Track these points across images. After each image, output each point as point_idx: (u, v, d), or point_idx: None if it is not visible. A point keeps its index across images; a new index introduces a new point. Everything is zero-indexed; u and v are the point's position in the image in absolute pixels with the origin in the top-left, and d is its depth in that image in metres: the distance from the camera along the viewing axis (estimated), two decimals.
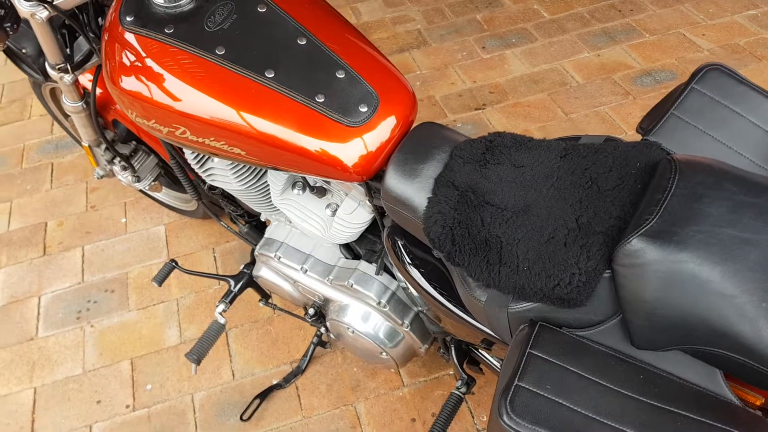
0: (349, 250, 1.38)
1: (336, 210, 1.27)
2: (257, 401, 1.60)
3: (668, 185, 0.83)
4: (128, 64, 1.09)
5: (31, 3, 1.09)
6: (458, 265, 0.99)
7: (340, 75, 1.06)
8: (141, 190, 2.09)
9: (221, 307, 1.50)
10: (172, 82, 1.06)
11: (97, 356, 1.75)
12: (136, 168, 1.68)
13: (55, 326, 1.83)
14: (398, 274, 1.23)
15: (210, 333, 1.50)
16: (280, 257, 1.40)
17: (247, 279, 1.54)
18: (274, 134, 1.04)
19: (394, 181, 1.05)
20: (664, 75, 2.34)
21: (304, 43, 1.07)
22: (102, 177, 1.68)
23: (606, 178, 0.94)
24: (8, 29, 0.93)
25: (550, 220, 0.94)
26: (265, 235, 1.45)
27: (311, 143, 1.04)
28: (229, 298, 1.52)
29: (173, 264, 1.53)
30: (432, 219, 1.00)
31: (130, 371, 1.71)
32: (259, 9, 1.09)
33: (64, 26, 1.27)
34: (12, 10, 0.95)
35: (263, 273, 1.49)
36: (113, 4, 1.14)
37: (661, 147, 0.97)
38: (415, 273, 1.15)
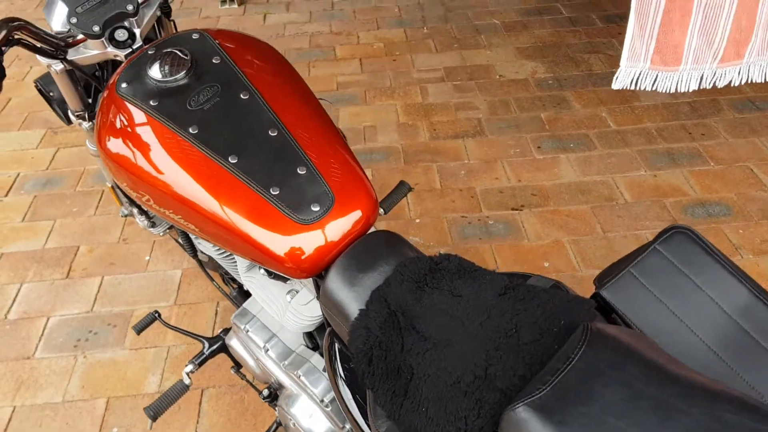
0: (312, 339, 1.36)
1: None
2: None
3: (571, 355, 0.77)
4: (111, 126, 1.14)
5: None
6: (369, 388, 0.95)
7: (301, 171, 1.06)
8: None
9: (189, 367, 1.50)
10: (142, 151, 1.09)
11: (80, 388, 1.79)
12: (151, 215, 1.73)
13: (53, 350, 1.89)
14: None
15: (172, 392, 1.51)
16: (248, 330, 1.40)
17: (220, 344, 1.54)
18: (225, 218, 1.05)
19: (333, 285, 1.03)
20: (718, 209, 2.20)
21: (274, 134, 1.09)
22: (126, 216, 1.75)
23: (529, 330, 0.89)
24: None
25: (464, 361, 0.89)
26: (242, 305, 1.46)
27: (258, 233, 1.04)
28: (199, 360, 1.53)
29: (155, 315, 1.56)
30: (356, 333, 0.97)
31: (103, 410, 1.73)
32: (241, 96, 1.11)
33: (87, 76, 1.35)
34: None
35: (233, 343, 1.49)
36: (119, 68, 1.20)
37: (595, 307, 0.91)
38: (342, 386, 1.11)
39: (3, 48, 1.04)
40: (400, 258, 1.05)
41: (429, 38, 3.30)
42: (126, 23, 1.24)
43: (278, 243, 1.03)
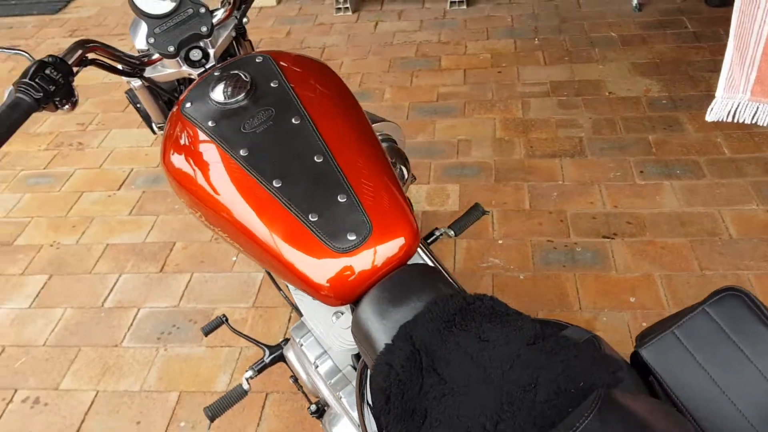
0: (359, 360, 1.36)
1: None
2: None
3: (576, 423, 0.72)
4: (174, 143, 1.19)
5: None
6: (384, 427, 0.93)
7: (342, 199, 1.06)
8: None
9: (249, 373, 1.55)
10: (196, 170, 1.13)
11: (157, 379, 1.89)
12: None
13: (138, 340, 2.01)
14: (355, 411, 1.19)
15: (231, 395, 1.56)
16: (302, 344, 1.42)
17: (279, 354, 1.58)
18: (265, 240, 1.07)
19: (363, 316, 1.02)
20: None
21: (320, 161, 1.09)
22: None
23: (547, 387, 0.83)
24: (57, 104, 1.07)
25: (477, 412, 0.85)
26: (300, 318, 1.48)
27: (295, 258, 1.05)
28: (259, 367, 1.57)
29: (222, 320, 1.62)
30: (379, 368, 0.95)
31: (174, 403, 1.82)
32: (293, 120, 1.13)
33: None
34: (64, 88, 1.09)
35: (290, 354, 1.52)
36: (188, 87, 1.25)
37: (635, 366, 0.85)
38: (368, 418, 1.10)
39: (77, 68, 1.11)
40: (433, 294, 1.02)
41: (539, 50, 3.21)
42: (201, 44, 1.29)
43: (313, 269, 1.04)
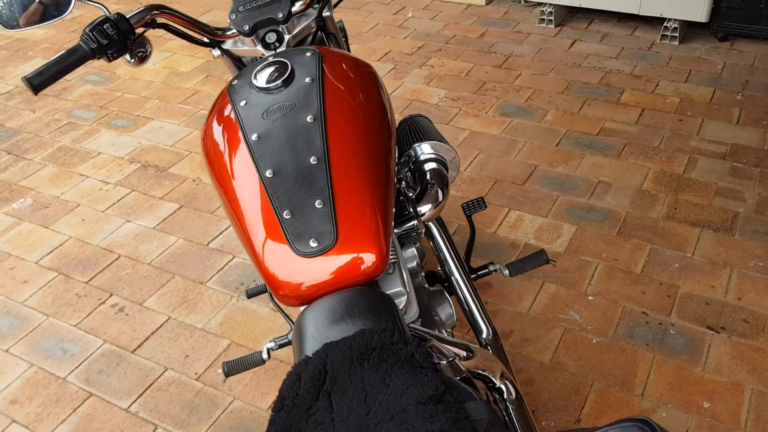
0: None
1: None
2: None
3: None
4: (212, 112, 1.27)
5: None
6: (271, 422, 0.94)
7: (318, 205, 1.07)
8: None
9: (271, 344, 1.62)
10: (215, 141, 1.21)
11: (218, 324, 2.04)
12: None
13: (220, 285, 2.18)
14: None
15: (250, 359, 1.65)
16: None
17: None
18: (243, 223, 1.11)
19: (301, 322, 1.04)
20: None
21: (314, 163, 1.10)
22: None
23: None
24: (110, 56, 1.19)
25: None
26: None
27: (260, 247, 1.08)
28: (281, 342, 1.63)
29: (265, 288, 1.71)
30: (290, 375, 0.96)
31: (222, 350, 1.96)
32: (308, 119, 1.15)
33: None
34: (119, 44, 1.20)
35: None
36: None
37: None
38: None
39: (141, 29, 1.23)
40: (370, 323, 1.00)
41: (737, 106, 2.86)
42: (279, 28, 1.36)
43: (272, 263, 1.07)
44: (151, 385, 1.87)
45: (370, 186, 1.10)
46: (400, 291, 1.17)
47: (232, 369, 1.64)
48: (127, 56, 1.24)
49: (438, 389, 0.88)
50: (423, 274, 1.52)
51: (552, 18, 3.62)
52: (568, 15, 3.73)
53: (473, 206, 1.66)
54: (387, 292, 1.14)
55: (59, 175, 2.76)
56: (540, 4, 3.65)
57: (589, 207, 2.37)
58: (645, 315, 1.95)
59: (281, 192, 1.09)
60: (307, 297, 1.06)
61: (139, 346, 1.99)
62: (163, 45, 3.68)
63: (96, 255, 2.34)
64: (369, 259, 1.05)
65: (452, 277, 1.56)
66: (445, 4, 3.98)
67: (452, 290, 1.58)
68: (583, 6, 3.53)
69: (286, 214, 1.07)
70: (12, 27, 1.20)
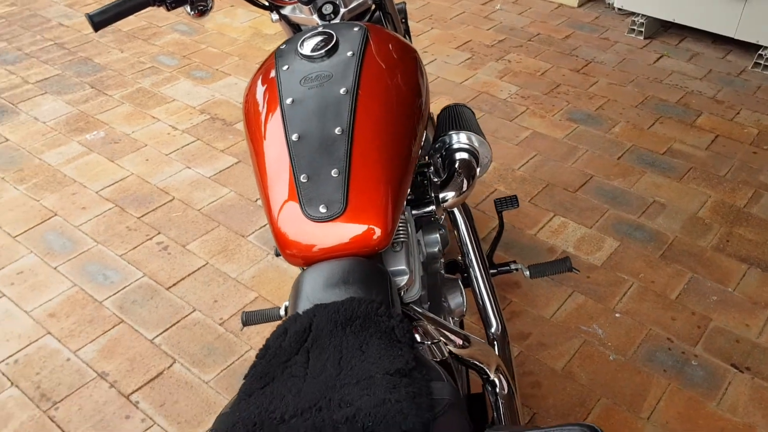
0: None
1: None
2: None
3: None
4: (257, 72, 1.32)
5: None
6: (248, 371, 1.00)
7: (335, 174, 1.11)
8: None
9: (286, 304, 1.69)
10: (254, 99, 1.26)
11: (250, 277, 2.13)
12: None
13: (260, 240, 2.27)
14: None
15: (268, 313, 1.72)
16: None
17: None
18: (264, 180, 1.17)
19: (300, 279, 1.08)
20: None
21: (339, 133, 1.14)
22: None
23: (352, 415, 0.83)
24: (168, 6, 1.26)
25: (297, 400, 0.88)
26: None
27: (275, 206, 1.13)
28: None
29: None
30: (279, 328, 1.01)
31: (248, 302, 2.04)
32: (340, 91, 1.18)
33: None
34: None
35: None
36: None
37: None
38: None
39: None
40: (361, 293, 1.04)
41: None
42: (336, 1, 1.40)
43: (283, 222, 1.11)
44: (177, 322, 1.97)
45: (388, 164, 1.13)
46: (403, 269, 1.19)
47: (250, 319, 1.71)
48: (187, 8, 1.31)
49: (408, 364, 0.91)
50: (442, 261, 1.54)
51: (643, 29, 3.52)
52: (660, 28, 3.62)
53: (505, 203, 1.67)
54: (390, 269, 1.18)
55: (133, 115, 2.91)
56: (633, 14, 3.56)
57: (638, 225, 2.32)
58: (669, 341, 1.91)
59: (302, 156, 1.13)
60: (311, 259, 1.10)
61: (174, 285, 2.10)
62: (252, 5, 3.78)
63: (152, 194, 2.46)
64: (373, 231, 1.08)
65: (470, 268, 1.58)
66: (536, 2, 3.93)
67: (469, 282, 1.60)
68: (676, 21, 3.42)
69: (303, 178, 1.11)
70: None
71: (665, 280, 2.11)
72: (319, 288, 1.07)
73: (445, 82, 3.13)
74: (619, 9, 3.71)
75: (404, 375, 0.91)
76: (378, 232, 1.09)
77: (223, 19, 3.70)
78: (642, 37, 3.53)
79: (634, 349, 1.89)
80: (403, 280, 1.20)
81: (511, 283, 2.09)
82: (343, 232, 1.08)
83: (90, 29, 3.55)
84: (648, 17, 3.49)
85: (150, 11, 3.72)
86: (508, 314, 1.99)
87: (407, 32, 1.67)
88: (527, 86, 3.11)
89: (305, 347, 0.98)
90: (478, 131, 1.46)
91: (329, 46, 1.24)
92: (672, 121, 2.88)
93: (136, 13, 1.26)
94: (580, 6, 3.87)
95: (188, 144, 2.73)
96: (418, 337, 1.08)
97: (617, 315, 1.99)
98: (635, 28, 3.54)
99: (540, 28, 3.63)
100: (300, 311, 1.03)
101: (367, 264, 1.08)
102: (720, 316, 1.99)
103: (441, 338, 1.13)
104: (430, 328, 1.13)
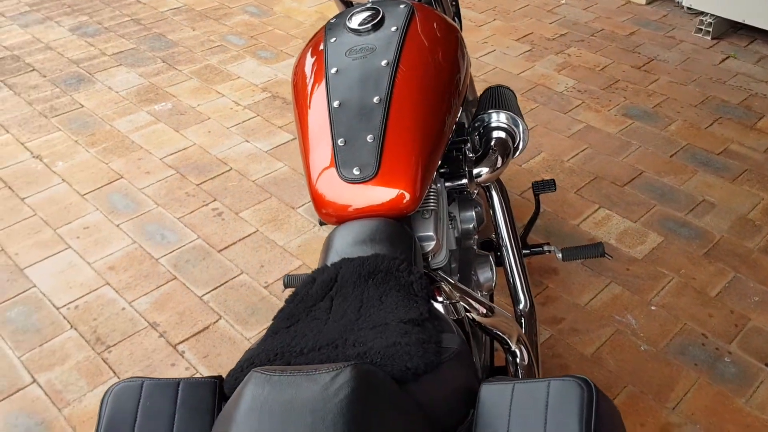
0: None
1: None
2: None
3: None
4: (308, 44, 1.41)
5: None
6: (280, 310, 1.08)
7: (370, 139, 1.18)
8: None
9: None
10: (302, 68, 1.35)
11: (297, 246, 2.23)
12: None
13: (308, 213, 2.36)
14: None
15: (300, 279, 1.81)
16: None
17: None
18: (304, 142, 1.25)
19: (331, 235, 1.16)
20: None
21: (376, 102, 1.21)
22: None
23: (364, 354, 0.90)
24: None
25: (315, 339, 0.96)
26: None
27: (313, 166, 1.21)
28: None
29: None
30: (308, 276, 1.10)
31: (294, 268, 2.14)
32: (382, 63, 1.25)
33: None
34: None
35: None
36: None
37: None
38: None
39: None
40: (386, 250, 1.11)
41: None
42: None
43: (320, 182, 1.19)
44: (226, 282, 2.09)
45: (421, 133, 1.20)
46: (430, 236, 1.26)
47: (291, 282, 1.81)
48: None
49: (422, 315, 0.98)
50: (476, 237, 1.59)
51: (711, 29, 3.45)
52: (729, 29, 3.54)
53: (543, 186, 1.71)
54: (418, 234, 1.24)
55: (200, 89, 3.05)
56: (702, 13, 3.49)
57: (684, 222, 2.31)
58: (704, 337, 1.91)
59: (342, 121, 1.21)
60: (343, 217, 1.18)
61: (225, 248, 2.21)
62: None
63: (211, 164, 2.59)
64: (402, 196, 1.15)
65: (502, 246, 1.62)
66: None
67: (501, 261, 1.65)
68: (746, 23, 3.34)
69: (340, 142, 1.19)
70: None
71: (706, 277, 2.10)
72: (348, 244, 1.14)
73: (502, 73, 3.16)
74: (689, 8, 3.64)
75: (417, 324, 0.97)
76: (407, 196, 1.15)
77: (291, 3, 3.82)
78: (709, 38, 3.46)
79: (667, 341, 1.90)
80: (429, 245, 1.26)
81: (549, 269, 2.12)
82: (374, 194, 1.15)
83: (162, 6, 3.72)
84: (717, 17, 3.42)
85: None
86: (543, 299, 2.03)
87: (457, 15, 1.72)
88: (585, 80, 3.11)
89: (330, 295, 1.06)
90: (518, 112, 1.50)
91: (375, 21, 1.31)
92: (731, 122, 2.83)
93: None
94: (648, 3, 3.82)
95: (249, 119, 2.85)
96: (438, 297, 1.14)
97: (653, 308, 2.00)
98: (703, 27, 3.48)
99: (604, 24, 3.61)
100: (329, 263, 1.11)
101: (394, 225, 1.15)
102: (760, 316, 1.97)
103: (463, 303, 1.19)
104: (452, 291, 1.19)
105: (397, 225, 1.15)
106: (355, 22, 1.33)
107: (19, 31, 3.50)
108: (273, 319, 1.06)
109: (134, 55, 3.32)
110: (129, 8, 3.76)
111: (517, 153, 1.49)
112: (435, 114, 1.23)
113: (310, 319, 1.03)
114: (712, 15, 3.43)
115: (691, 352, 1.87)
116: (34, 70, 3.17)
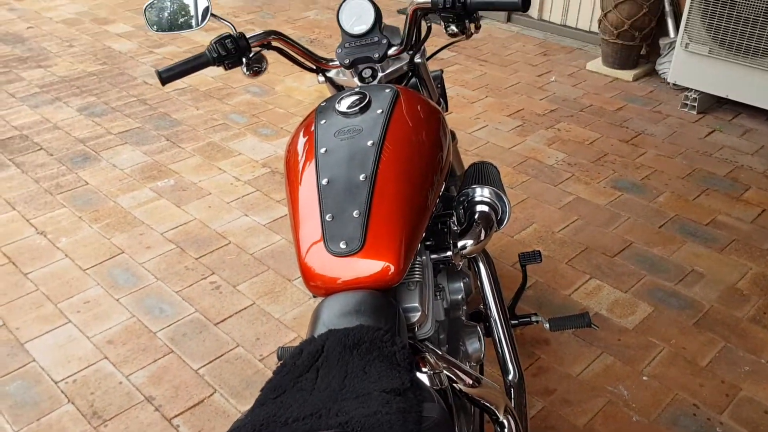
0: None
1: None
2: None
3: None
4: (300, 125, 1.49)
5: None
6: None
7: (356, 215, 1.24)
8: None
9: None
10: (294, 150, 1.42)
11: (292, 318, 2.26)
12: None
13: (303, 285, 2.39)
14: None
15: None
16: None
17: None
18: (297, 216, 1.31)
19: (319, 307, 1.21)
20: None
21: (363, 179, 1.28)
22: None
23: (345, 424, 0.93)
24: (227, 66, 1.45)
25: (299, 411, 0.99)
26: None
27: (302, 241, 1.27)
28: None
29: None
30: (296, 347, 1.14)
31: (289, 340, 2.17)
32: (368, 143, 1.33)
33: None
34: (235, 58, 1.45)
35: None
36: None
37: None
38: None
39: (257, 48, 1.48)
40: (371, 321, 1.15)
41: None
42: (375, 66, 1.56)
43: (308, 256, 1.25)
44: (221, 355, 2.12)
45: (405, 209, 1.26)
46: (415, 306, 1.30)
47: (284, 354, 1.83)
48: (244, 68, 1.49)
49: (404, 384, 1.02)
50: (465, 308, 1.63)
51: (696, 104, 3.58)
52: (714, 104, 3.67)
53: (529, 257, 1.76)
54: (403, 305, 1.29)
55: (202, 166, 3.15)
56: (687, 89, 3.63)
57: (674, 292, 2.35)
58: (695, 407, 1.92)
59: (330, 198, 1.28)
60: (331, 290, 1.23)
61: (222, 321, 2.25)
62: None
63: (211, 238, 2.66)
64: (387, 268, 1.20)
65: (490, 317, 1.66)
66: (593, 75, 4.05)
67: (490, 331, 1.68)
68: (730, 98, 3.47)
69: (328, 217, 1.25)
70: (157, 30, 1.50)
71: (697, 347, 2.12)
72: (334, 315, 1.19)
73: (494, 147, 3.26)
74: (674, 84, 3.78)
75: (398, 394, 1.01)
76: (392, 268, 1.21)
77: (292, 83, 3.98)
78: (695, 112, 3.59)
79: (659, 412, 1.91)
80: (415, 316, 1.30)
81: (540, 340, 2.15)
82: (360, 266, 1.21)
83: (168, 87, 3.88)
84: (701, 93, 3.55)
85: (226, 75, 4.03)
86: (535, 369, 2.05)
87: (443, 97, 1.82)
88: (575, 154, 3.20)
89: (316, 366, 1.10)
90: (501, 188, 1.57)
91: (362, 104, 1.40)
92: (718, 194, 2.90)
93: (198, 72, 1.45)
94: (635, 80, 3.97)
95: (248, 194, 2.93)
96: (423, 367, 1.17)
97: (644, 378, 2.01)
98: (688, 102, 3.61)
99: (593, 100, 3.74)
100: (315, 335, 1.15)
101: (379, 297, 1.20)
102: (751, 386, 1.98)
103: (449, 374, 1.22)
104: (437, 361, 1.23)
105: (383, 297, 1.20)
106: (344, 105, 1.41)
107: (28, 112, 3.64)
108: (261, 390, 1.10)
109: (139, 133, 3.44)
110: (136, 89, 3.92)
111: (501, 227, 1.55)
112: (418, 190, 1.30)
113: (296, 390, 1.07)
114: (696, 90, 3.56)
115: (683, 422, 1.87)
116: (41, 149, 3.28)
